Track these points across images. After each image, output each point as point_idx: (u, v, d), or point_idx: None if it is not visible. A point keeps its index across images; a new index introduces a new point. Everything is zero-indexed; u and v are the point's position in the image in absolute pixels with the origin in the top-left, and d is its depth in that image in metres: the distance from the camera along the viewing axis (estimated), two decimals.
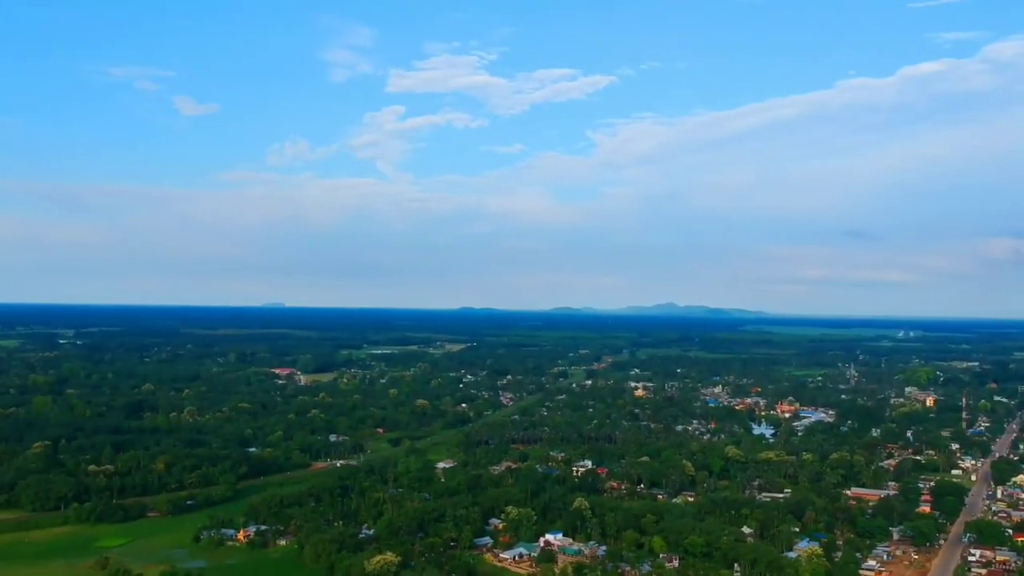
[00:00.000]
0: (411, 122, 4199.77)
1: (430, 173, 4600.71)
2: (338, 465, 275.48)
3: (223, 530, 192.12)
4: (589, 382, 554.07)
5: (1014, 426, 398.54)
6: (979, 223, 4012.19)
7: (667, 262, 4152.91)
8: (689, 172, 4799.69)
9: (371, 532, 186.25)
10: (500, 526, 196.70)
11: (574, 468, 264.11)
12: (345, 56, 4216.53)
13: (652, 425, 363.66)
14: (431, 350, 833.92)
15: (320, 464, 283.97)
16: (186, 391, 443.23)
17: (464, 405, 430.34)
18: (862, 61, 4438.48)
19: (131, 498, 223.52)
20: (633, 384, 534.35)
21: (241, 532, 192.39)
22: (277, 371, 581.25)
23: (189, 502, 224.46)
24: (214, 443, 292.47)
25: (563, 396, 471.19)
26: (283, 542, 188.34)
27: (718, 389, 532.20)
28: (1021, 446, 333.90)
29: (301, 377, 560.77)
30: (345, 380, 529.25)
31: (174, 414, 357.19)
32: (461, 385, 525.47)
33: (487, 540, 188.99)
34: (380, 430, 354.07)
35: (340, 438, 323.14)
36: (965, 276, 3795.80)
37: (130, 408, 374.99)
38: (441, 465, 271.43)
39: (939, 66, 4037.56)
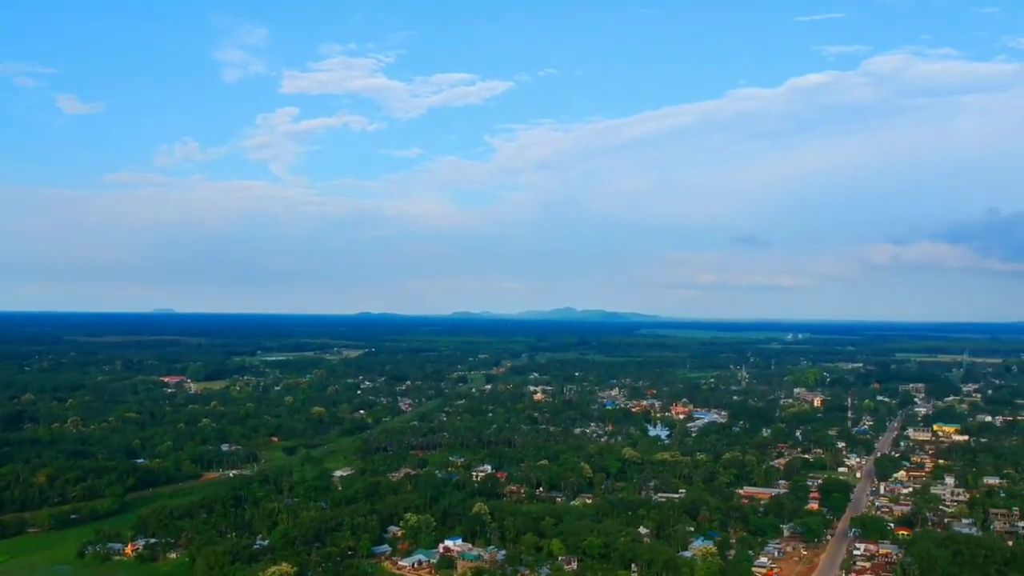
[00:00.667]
0: (305, 124, 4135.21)
1: (326, 176, 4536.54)
2: (231, 475, 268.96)
3: (109, 544, 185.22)
4: (488, 387, 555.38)
5: (895, 424, 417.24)
6: (863, 230, 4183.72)
7: (565, 267, 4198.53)
8: (586, 178, 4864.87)
9: (266, 543, 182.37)
10: (399, 533, 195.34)
11: (474, 473, 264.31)
12: (238, 56, 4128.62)
13: (551, 428, 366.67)
14: (328, 356, 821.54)
15: (212, 474, 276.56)
16: (69, 401, 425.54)
17: (362, 412, 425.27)
18: (752, 72, 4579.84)
19: (10, 513, 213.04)
20: (532, 388, 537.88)
21: (129, 546, 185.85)
22: (166, 379, 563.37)
23: (73, 516, 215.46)
24: (99, 454, 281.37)
25: (462, 401, 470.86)
26: (173, 555, 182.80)
27: (615, 392, 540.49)
28: (902, 443, 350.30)
29: (192, 385, 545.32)
30: (238, 388, 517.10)
31: (56, 425, 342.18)
32: (359, 391, 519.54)
33: (385, 548, 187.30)
34: (275, 438, 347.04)
35: (233, 447, 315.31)
36: (850, 281, 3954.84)
37: (8, 419, 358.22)
38: (338, 473, 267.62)
39: (824, 78, 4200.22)
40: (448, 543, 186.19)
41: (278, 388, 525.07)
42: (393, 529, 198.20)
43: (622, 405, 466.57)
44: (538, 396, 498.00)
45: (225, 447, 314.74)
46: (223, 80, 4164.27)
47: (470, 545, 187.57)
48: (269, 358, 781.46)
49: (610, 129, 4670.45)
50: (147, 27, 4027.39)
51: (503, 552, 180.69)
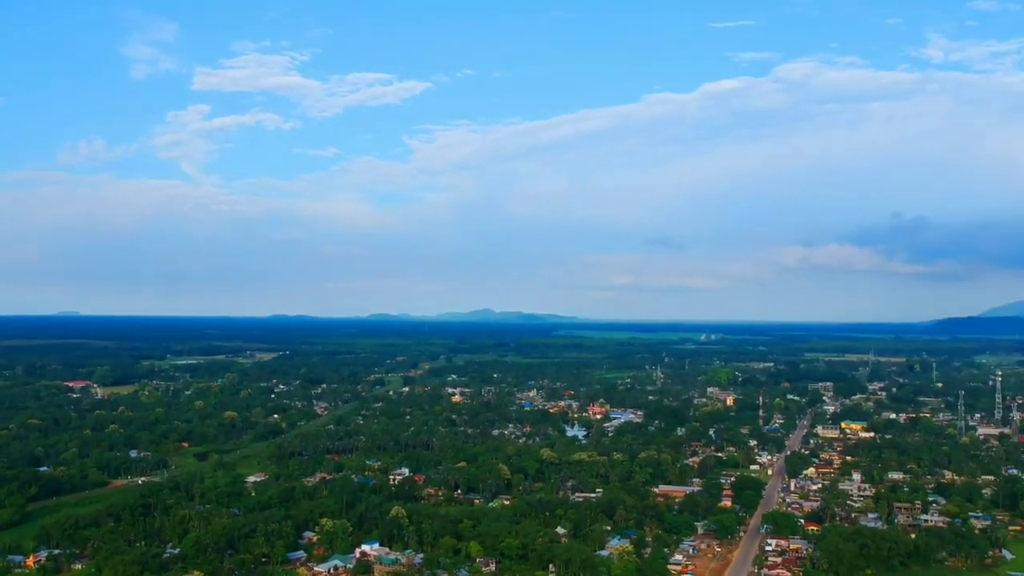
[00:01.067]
0: (218, 122, 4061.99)
1: (239, 175, 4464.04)
2: (140, 482, 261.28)
3: (10, 557, 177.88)
4: (406, 389, 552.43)
5: (805, 422, 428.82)
6: (774, 233, 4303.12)
7: (483, 269, 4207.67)
8: (504, 180, 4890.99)
9: (176, 551, 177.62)
10: (314, 539, 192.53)
11: (391, 476, 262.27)
12: (147, 52, 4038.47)
13: (469, 430, 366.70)
14: (240, 360, 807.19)
15: (120, 482, 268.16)
16: None
17: (276, 416, 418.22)
18: (667, 76, 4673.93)
19: None
20: (450, 390, 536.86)
21: (31, 558, 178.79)
22: (71, 384, 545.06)
23: None
24: None
25: (380, 404, 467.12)
26: (79, 566, 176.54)
27: (533, 393, 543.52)
28: (811, 441, 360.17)
29: (98, 390, 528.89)
30: (147, 392, 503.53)
31: None
32: (273, 395, 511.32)
33: (301, 554, 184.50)
34: (185, 444, 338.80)
35: (142, 454, 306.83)
36: (762, 282, 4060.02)
37: None
38: (252, 479, 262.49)
39: (737, 84, 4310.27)
40: (365, 548, 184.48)
41: (189, 392, 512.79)
42: (309, 535, 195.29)
43: (540, 406, 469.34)
44: (456, 398, 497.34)
45: (134, 454, 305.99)
46: (131, 76, 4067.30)
47: (387, 549, 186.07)
48: (179, 362, 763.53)
49: (528, 131, 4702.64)
50: (50, 20, 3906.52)
51: (421, 556, 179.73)
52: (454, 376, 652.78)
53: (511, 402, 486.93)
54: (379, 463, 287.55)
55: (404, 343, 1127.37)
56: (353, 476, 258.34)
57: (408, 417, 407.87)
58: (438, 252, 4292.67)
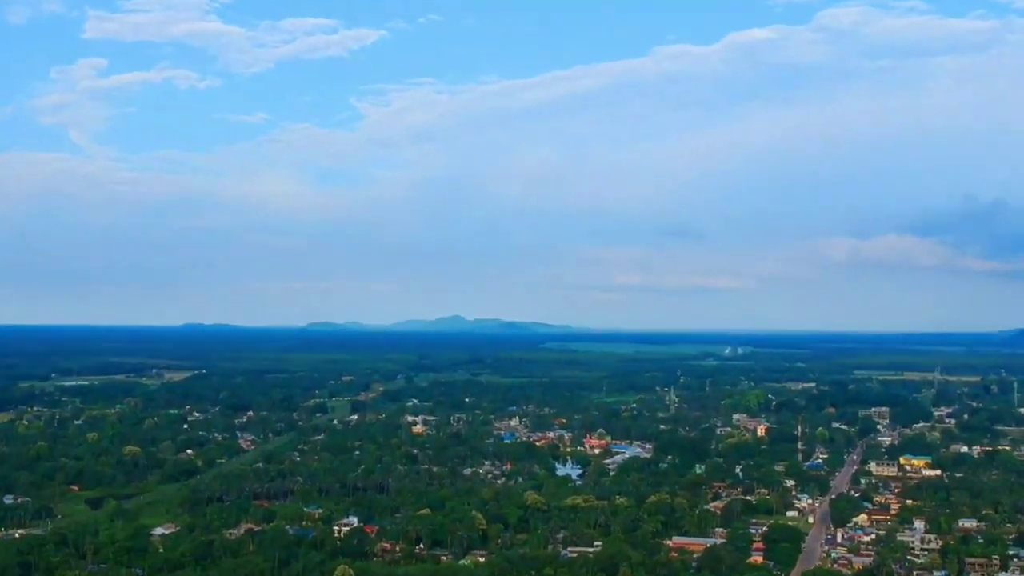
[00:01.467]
0: (116, 79, 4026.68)
1: (142, 147, 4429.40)
2: (16, 535, 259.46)
3: None
4: (355, 417, 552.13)
5: (855, 457, 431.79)
6: (816, 221, 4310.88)
7: (452, 266, 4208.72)
8: (479, 153, 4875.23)
9: None
10: None
11: (336, 527, 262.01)
12: None
13: (434, 469, 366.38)
14: (145, 380, 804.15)
15: None
16: None
17: (190, 451, 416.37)
18: (683, 25, 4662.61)
19: None
20: (411, 418, 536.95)
21: None
22: None
23: None
24: None
25: (321, 436, 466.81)
26: None
27: (515, 422, 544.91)
28: (862, 480, 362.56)
29: None
30: (25, 422, 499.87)
31: None
32: (185, 425, 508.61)
33: None
34: (75, 487, 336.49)
35: (19, 499, 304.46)
36: (801, 282, 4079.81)
37: None
38: (159, 531, 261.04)
39: (769, 33, 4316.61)
40: None
41: (79, 422, 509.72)
42: None
43: (524, 438, 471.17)
44: (418, 428, 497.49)
45: (9, 499, 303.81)
46: (7, 22, 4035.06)
47: None
48: (68, 383, 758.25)
49: (508, 92, 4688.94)
50: None
51: None
52: (416, 400, 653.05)
53: (487, 433, 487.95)
54: (320, 511, 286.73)
55: (353, 359, 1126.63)
56: (288, 527, 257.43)
57: (357, 452, 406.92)
58: (395, 245, 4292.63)
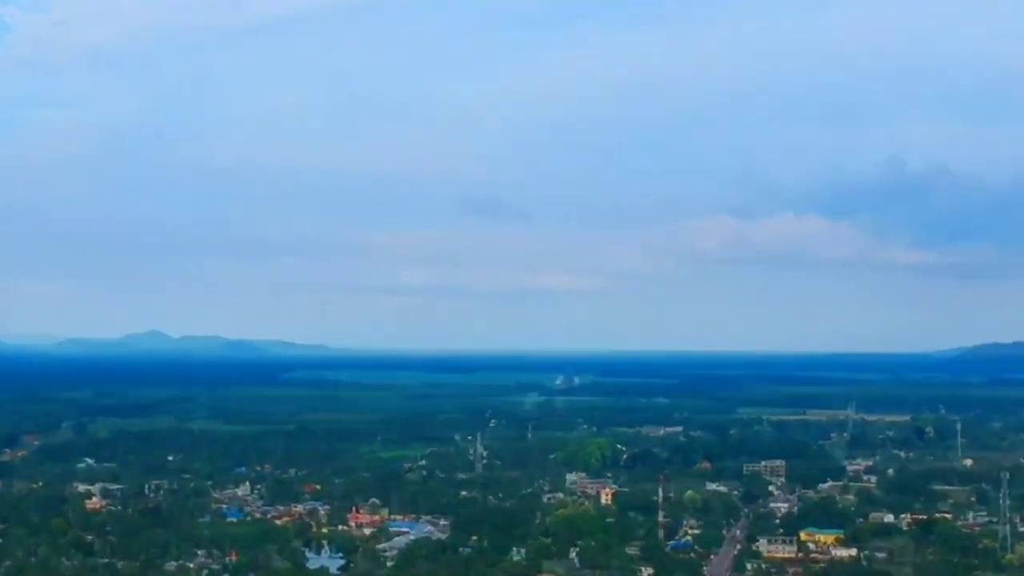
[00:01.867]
0: None
1: None
2: None
3: None
4: None
5: (738, 532, 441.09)
6: (686, 195, 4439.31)
7: (149, 259, 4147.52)
8: (186, 88, 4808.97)
9: None
10: None
11: None
12: None
13: (120, 564, 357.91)
14: None
15: None
16: None
17: None
18: None
19: None
20: (84, 487, 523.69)
21: None
22: None
23: None
24: None
25: None
26: None
27: (243, 490, 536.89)
28: (749, 565, 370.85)
29: None
30: None
31: None
32: None
33: None
34: None
35: None
36: (663, 281, 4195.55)
37: None
38: None
39: None
40: None
41: None
42: None
43: (257, 514, 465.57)
44: (95, 503, 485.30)
45: None
46: None
47: None
48: None
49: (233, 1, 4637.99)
50: None
51: None
52: (91, 460, 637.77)
53: (202, 508, 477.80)
54: None
55: None
56: None
57: (0, 540, 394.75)
58: (57, 225, 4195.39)
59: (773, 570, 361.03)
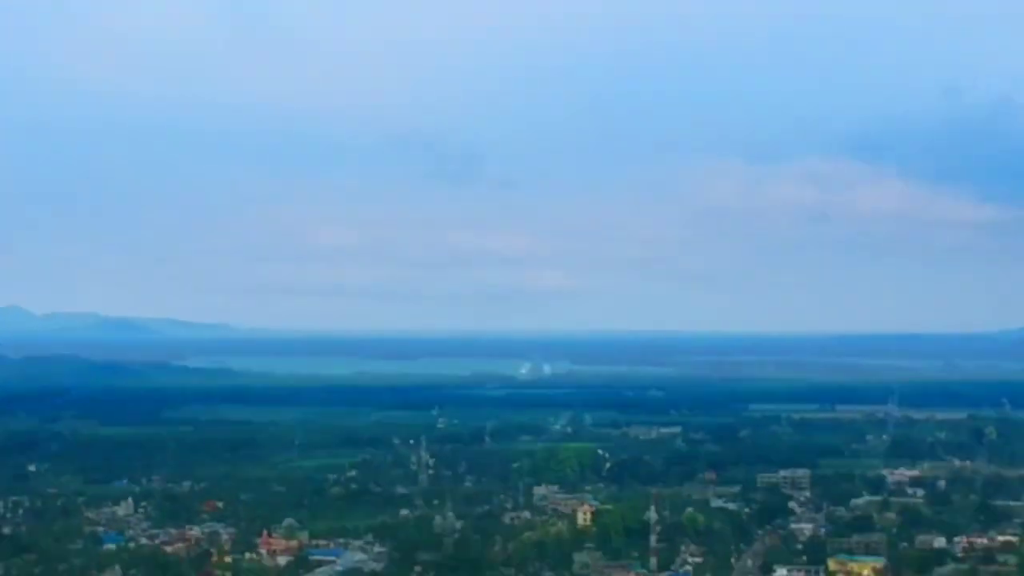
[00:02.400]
0: None
1: None
2: None
3: None
4: None
5: (749, 561, 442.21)
6: (685, 134, 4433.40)
7: (4, 218, 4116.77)
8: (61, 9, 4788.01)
9: None
10: None
11: None
12: None
13: None
14: None
15: None
16: None
17: None
18: None
19: None
20: None
21: None
22: None
23: None
24: None
25: None
26: None
27: (125, 508, 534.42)
28: None
29: None
30: None
31: None
32: None
33: None
34: None
35: None
36: (662, 243, 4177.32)
37: None
38: None
39: None
40: None
41: None
42: None
43: (144, 539, 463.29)
44: None
45: None
46: None
47: None
48: None
49: None
50: None
51: None
52: None
53: (72, 531, 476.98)
54: None
55: None
56: None
57: None
58: None
59: None
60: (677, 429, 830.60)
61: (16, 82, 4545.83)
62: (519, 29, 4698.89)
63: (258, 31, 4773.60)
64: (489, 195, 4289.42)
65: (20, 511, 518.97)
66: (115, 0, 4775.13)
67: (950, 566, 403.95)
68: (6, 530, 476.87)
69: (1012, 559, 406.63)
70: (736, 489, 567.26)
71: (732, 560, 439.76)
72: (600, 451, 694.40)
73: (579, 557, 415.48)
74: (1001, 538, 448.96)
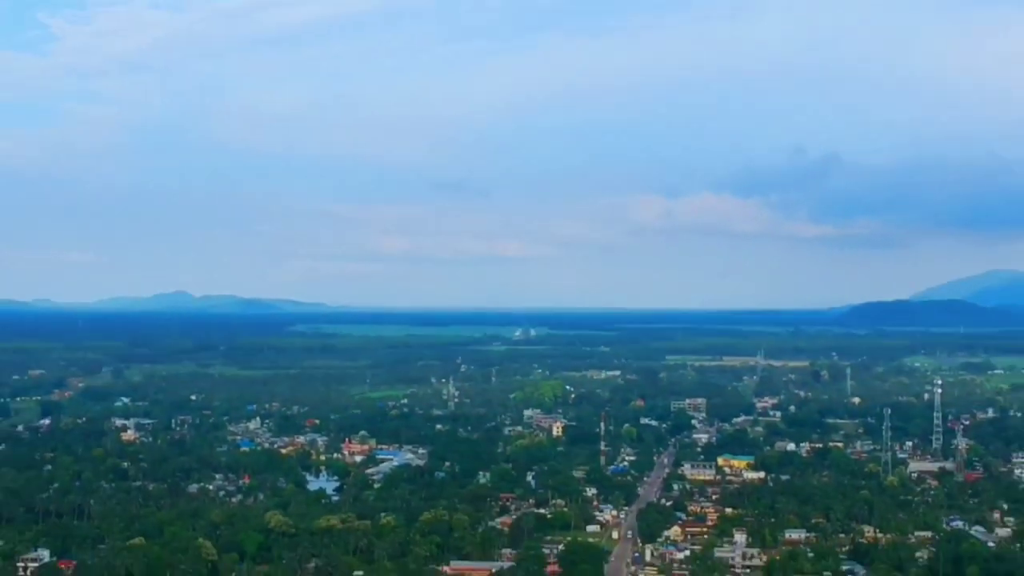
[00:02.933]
0: None
1: None
2: None
3: None
4: (46, 422, 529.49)
5: (666, 459, 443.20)
6: (622, 176, 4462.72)
7: (175, 230, 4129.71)
8: (208, 88, 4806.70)
9: None
10: None
11: (20, 564, 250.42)
12: None
13: (151, 486, 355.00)
14: None
15: None
16: None
17: None
18: None
19: None
20: (120, 422, 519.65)
21: None
22: None
23: None
24: None
25: (1, 446, 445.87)
26: None
27: (255, 424, 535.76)
28: (675, 486, 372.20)
29: None
30: None
31: None
32: None
33: None
34: None
35: None
36: (605, 249, 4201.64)
37: None
38: None
39: None
40: None
41: None
42: None
43: (266, 444, 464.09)
44: (129, 435, 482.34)
45: None
46: None
47: None
48: None
49: (245, 11, 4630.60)
50: None
51: None
52: (126, 400, 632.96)
53: (219, 439, 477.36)
54: (0, 542, 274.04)
55: (43, 347, 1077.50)
56: None
57: (49, 467, 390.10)
58: (99, 202, 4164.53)
59: (695, 491, 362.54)
60: (618, 372, 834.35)
61: (203, 117, 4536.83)
62: (509, 106, 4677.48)
63: (351, 104, 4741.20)
64: (488, 211, 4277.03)
65: (185, 426, 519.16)
66: (266, 84, 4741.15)
67: (797, 463, 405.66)
68: (177, 438, 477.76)
69: (837, 457, 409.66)
70: (656, 412, 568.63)
71: (654, 458, 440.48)
72: (567, 387, 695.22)
73: (552, 457, 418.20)
74: (832, 444, 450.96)
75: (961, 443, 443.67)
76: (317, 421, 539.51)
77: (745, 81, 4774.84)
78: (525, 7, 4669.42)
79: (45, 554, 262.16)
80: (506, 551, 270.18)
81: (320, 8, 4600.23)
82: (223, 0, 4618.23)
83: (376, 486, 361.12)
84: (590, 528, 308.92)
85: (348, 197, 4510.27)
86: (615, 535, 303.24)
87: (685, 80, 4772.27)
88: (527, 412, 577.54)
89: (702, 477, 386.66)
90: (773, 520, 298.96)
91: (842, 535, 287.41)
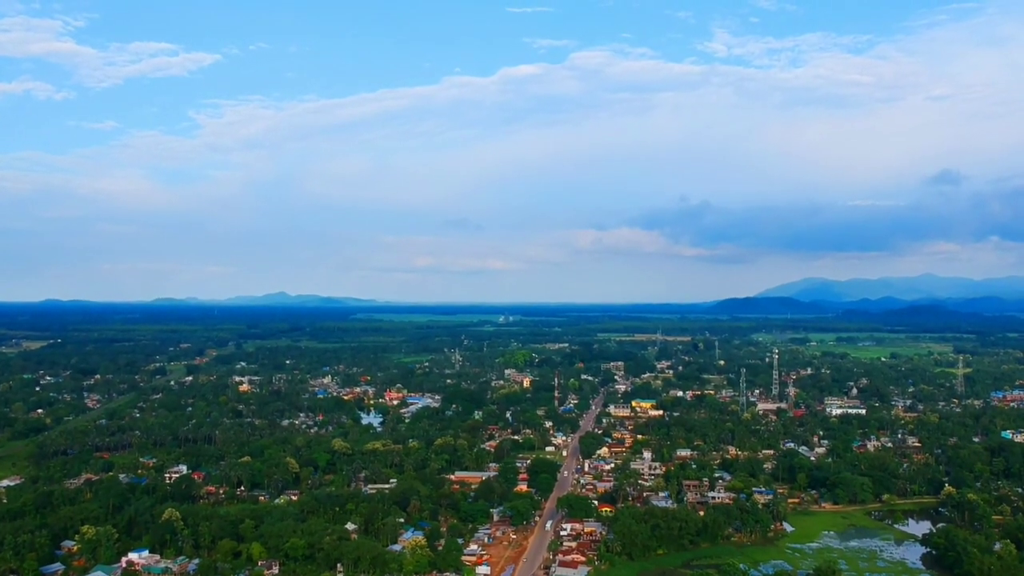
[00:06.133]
0: None
1: (5, 148, 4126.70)
2: None
3: None
4: (189, 378, 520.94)
5: (598, 402, 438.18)
6: (568, 216, 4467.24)
7: (277, 250, 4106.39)
8: (299, 159, 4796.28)
9: None
10: (74, 549, 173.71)
11: (167, 475, 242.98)
12: None
13: (256, 421, 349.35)
14: (4, 349, 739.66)
15: None
16: None
17: (40, 411, 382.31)
18: (466, 59, 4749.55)
19: None
20: (238, 379, 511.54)
21: None
22: None
23: None
24: None
25: (159, 395, 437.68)
26: None
27: (328, 379, 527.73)
28: (604, 420, 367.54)
29: None
30: None
31: None
32: (38, 388, 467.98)
33: (58, 567, 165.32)
34: None
35: None
36: (557, 264, 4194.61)
37: None
38: (4, 483, 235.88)
39: (535, 69, 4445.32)
40: (132, 556, 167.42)
41: None
42: (68, 544, 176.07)
43: (334, 393, 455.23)
44: (244, 387, 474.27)
45: None
46: None
47: (158, 557, 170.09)
48: None
49: (324, 109, 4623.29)
50: None
51: (196, 561, 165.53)
52: (243, 363, 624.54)
53: (303, 390, 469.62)
54: (154, 460, 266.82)
55: (190, 329, 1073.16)
56: (122, 476, 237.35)
57: (190, 409, 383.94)
58: (228, 233, 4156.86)
59: (617, 423, 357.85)
60: (567, 344, 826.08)
61: (296, 178, 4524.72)
62: (495, 170, 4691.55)
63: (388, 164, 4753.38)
64: (481, 239, 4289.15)
65: (281, 381, 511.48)
66: (335, 153, 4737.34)
67: (684, 404, 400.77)
68: (275, 389, 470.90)
69: (710, 401, 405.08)
70: (592, 371, 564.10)
71: (590, 402, 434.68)
72: (533, 354, 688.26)
73: (523, 401, 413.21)
74: (706, 392, 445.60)
75: (791, 390, 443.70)
76: (368, 377, 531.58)
77: (649, 153, 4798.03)
78: (506, 108, 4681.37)
79: (184, 468, 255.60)
80: (492, 464, 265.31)
81: (371, 107, 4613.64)
82: (309, 102, 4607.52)
83: (406, 421, 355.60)
84: (548, 449, 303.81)
85: (392, 230, 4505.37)
86: (564, 454, 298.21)
87: (610, 153, 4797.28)
88: (507, 371, 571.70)
89: (622, 414, 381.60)
90: (669, 443, 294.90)
91: (714, 453, 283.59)
